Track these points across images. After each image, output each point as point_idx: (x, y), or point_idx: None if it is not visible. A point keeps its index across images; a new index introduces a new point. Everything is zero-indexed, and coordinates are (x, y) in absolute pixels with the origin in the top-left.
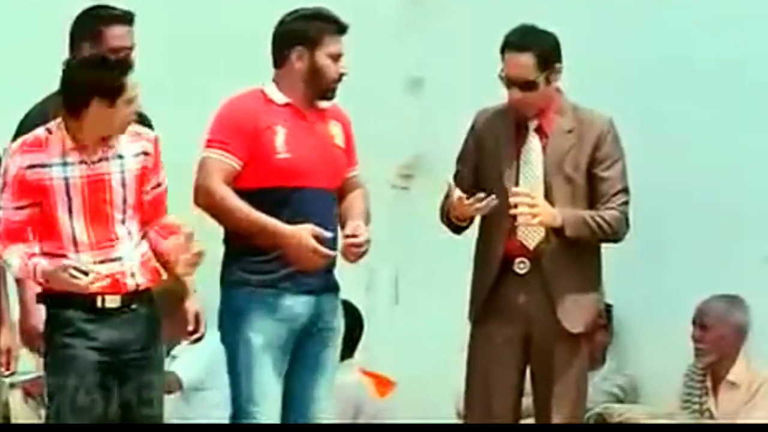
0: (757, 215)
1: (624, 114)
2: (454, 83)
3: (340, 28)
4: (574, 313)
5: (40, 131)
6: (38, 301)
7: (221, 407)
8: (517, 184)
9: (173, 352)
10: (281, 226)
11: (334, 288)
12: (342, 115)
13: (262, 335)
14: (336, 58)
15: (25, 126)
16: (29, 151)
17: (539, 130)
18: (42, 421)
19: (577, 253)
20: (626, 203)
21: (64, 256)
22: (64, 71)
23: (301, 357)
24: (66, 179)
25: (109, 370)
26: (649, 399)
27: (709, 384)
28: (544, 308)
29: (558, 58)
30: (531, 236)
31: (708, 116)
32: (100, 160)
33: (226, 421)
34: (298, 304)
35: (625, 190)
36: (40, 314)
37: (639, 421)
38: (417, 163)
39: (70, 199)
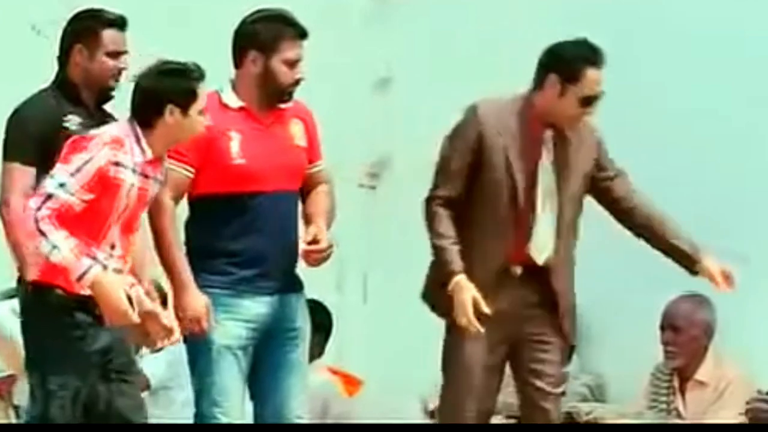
0: (726, 216)
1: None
2: (420, 83)
3: (300, 33)
4: (569, 320)
5: (115, 131)
6: (34, 293)
7: (189, 406)
8: (533, 194)
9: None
10: (190, 285)
11: (297, 288)
12: (304, 111)
13: (222, 337)
14: (292, 63)
15: (19, 126)
16: (116, 148)
17: (554, 139)
18: (12, 420)
19: (571, 256)
20: None
21: (93, 256)
22: (137, 81)
23: (268, 357)
24: (132, 185)
25: (103, 373)
26: (615, 398)
27: (676, 384)
28: (537, 308)
29: None
30: (543, 251)
31: (689, 113)
32: (153, 178)
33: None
34: (258, 305)
35: None
36: None
37: (607, 421)
38: (384, 162)
39: (126, 205)
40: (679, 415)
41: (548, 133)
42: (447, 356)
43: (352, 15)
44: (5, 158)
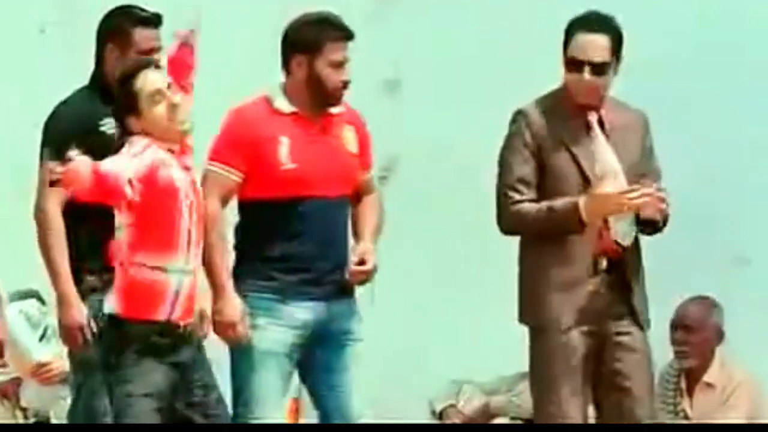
0: (727, 216)
1: None
2: (428, 85)
3: (346, 35)
4: (644, 311)
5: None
6: (111, 324)
7: None
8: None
9: None
10: (225, 289)
11: (346, 292)
12: (356, 118)
13: (264, 341)
14: (338, 65)
15: (55, 132)
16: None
17: (600, 124)
18: (20, 422)
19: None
20: None
21: (154, 267)
22: (118, 81)
23: (319, 362)
24: (184, 180)
25: (181, 387)
26: None
27: (683, 385)
28: (621, 306)
29: (622, 48)
30: (627, 233)
31: (691, 112)
32: (188, 168)
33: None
34: (302, 311)
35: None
36: (82, 308)
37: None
38: (392, 165)
39: (189, 201)
40: (686, 417)
41: (593, 116)
42: (541, 356)
43: (360, 16)
44: (42, 164)
